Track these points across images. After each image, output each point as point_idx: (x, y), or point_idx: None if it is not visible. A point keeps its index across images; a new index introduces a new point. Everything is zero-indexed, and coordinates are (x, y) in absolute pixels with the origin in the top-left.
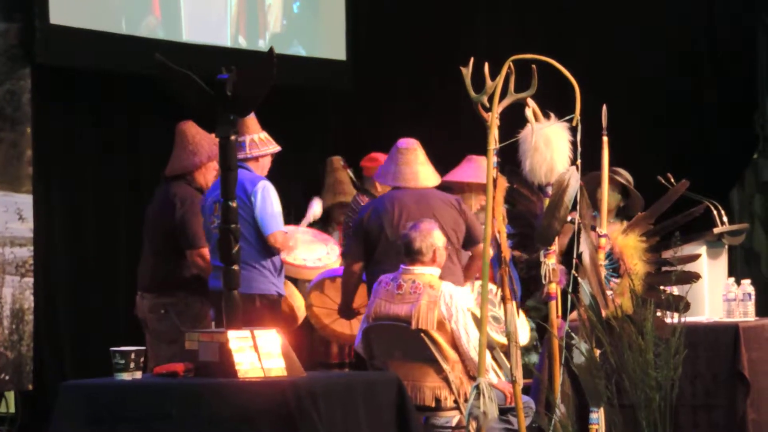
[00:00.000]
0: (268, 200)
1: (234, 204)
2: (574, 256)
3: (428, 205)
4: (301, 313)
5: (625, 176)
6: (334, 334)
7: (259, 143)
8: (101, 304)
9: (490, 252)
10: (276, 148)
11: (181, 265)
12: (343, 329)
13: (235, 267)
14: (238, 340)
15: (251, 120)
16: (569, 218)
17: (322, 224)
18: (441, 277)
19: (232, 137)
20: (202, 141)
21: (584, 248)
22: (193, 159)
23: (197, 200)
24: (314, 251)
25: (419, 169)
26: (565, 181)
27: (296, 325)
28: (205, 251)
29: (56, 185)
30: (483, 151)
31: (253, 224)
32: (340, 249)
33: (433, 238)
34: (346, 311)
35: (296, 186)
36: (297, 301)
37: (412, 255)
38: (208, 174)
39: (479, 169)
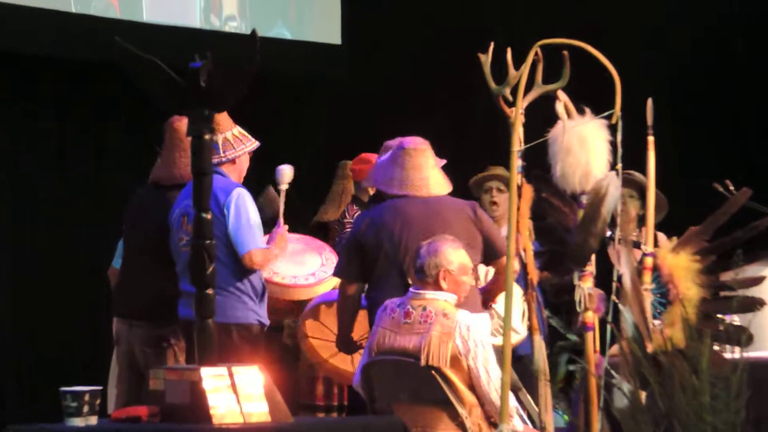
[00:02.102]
0: (243, 212)
1: (208, 216)
2: (614, 278)
3: (438, 217)
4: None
5: (641, 178)
6: (334, 371)
7: (234, 141)
8: (52, 335)
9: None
10: (254, 144)
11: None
12: (345, 365)
13: (210, 291)
14: (213, 379)
15: (222, 116)
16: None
17: (322, 240)
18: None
19: (207, 136)
20: None
21: (625, 269)
22: None
23: None
24: (306, 265)
25: (430, 174)
26: (602, 189)
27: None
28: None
29: None
30: (502, 152)
31: (227, 241)
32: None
33: (441, 257)
34: (345, 344)
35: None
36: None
37: (417, 275)
38: None
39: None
